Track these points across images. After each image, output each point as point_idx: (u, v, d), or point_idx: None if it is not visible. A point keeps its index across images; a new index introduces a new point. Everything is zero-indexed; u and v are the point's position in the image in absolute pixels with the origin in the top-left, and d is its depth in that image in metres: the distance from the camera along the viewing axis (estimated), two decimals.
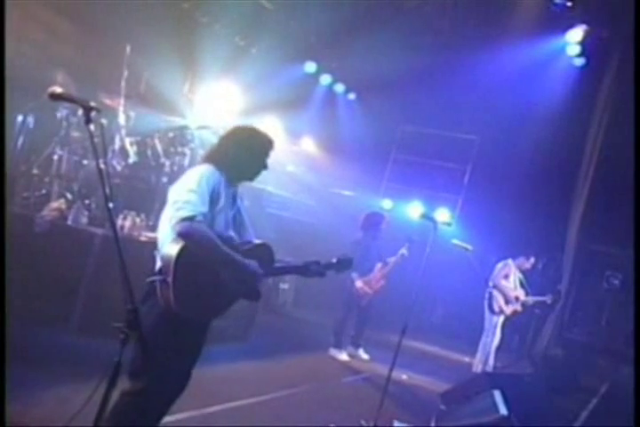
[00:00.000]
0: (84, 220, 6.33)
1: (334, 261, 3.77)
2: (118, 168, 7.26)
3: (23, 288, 5.18)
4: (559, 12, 9.94)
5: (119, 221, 6.29)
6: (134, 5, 8.24)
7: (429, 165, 13.12)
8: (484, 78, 10.56)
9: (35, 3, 7.60)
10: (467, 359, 9.39)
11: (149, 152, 7.64)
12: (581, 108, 10.60)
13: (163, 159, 7.65)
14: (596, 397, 7.48)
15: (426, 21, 10.77)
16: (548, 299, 8.90)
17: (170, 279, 3.00)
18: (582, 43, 10.44)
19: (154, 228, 5.20)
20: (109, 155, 7.09)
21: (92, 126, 2.54)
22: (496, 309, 8.33)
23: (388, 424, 5.40)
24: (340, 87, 13.00)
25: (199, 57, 9.42)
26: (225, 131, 3.58)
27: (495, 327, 8.40)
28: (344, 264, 3.80)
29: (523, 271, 8.70)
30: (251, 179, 3.56)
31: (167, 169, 7.60)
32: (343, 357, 8.07)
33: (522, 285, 8.64)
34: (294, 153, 12.18)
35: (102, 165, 2.53)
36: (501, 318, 8.42)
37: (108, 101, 7.45)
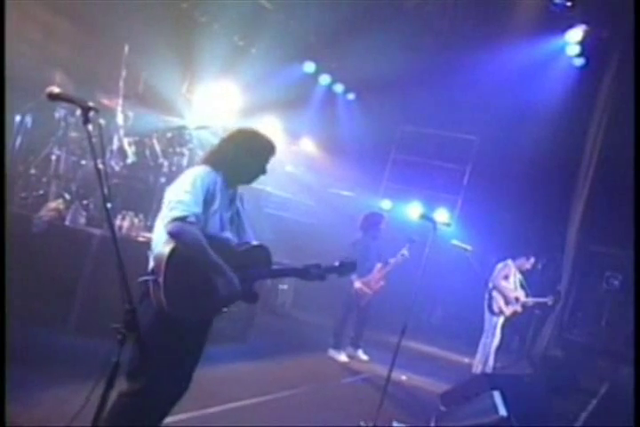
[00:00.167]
0: (82, 220, 6.31)
1: (336, 264, 3.64)
2: (116, 168, 7.24)
3: (21, 289, 5.15)
4: (559, 12, 9.93)
5: (117, 222, 6.28)
6: (133, 5, 8.22)
7: (429, 165, 13.10)
8: (484, 78, 10.54)
9: (33, 2, 7.58)
10: (466, 360, 9.38)
11: (148, 152, 7.63)
12: (581, 108, 10.58)
13: (161, 159, 7.64)
14: (595, 398, 7.45)
15: (425, 21, 10.75)
16: (549, 300, 8.88)
17: (161, 279, 3.00)
18: (582, 43, 10.44)
19: (152, 228, 5.18)
20: (107, 155, 7.08)
21: (90, 126, 2.53)
22: (496, 309, 8.31)
23: (388, 425, 5.40)
24: (339, 87, 12.97)
25: (198, 57, 9.40)
26: (225, 131, 3.56)
27: (495, 328, 8.38)
28: (347, 268, 3.68)
29: (522, 272, 8.69)
30: (248, 182, 3.53)
31: (165, 169, 7.59)
32: (342, 358, 8.05)
33: (522, 286, 8.62)
34: (293, 153, 12.16)
35: (100, 166, 2.52)
36: (501, 319, 8.40)
37: (106, 101, 7.43)
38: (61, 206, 6.38)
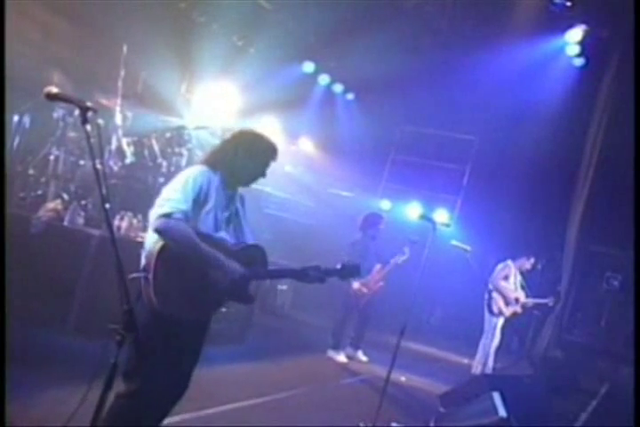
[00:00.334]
0: (81, 220, 6.30)
1: (338, 267, 3.50)
2: (115, 169, 7.23)
3: (19, 289, 5.14)
4: (558, 12, 9.93)
5: (116, 222, 6.28)
6: (131, 5, 8.21)
7: (428, 165, 13.09)
8: (484, 78, 10.54)
9: (32, 3, 7.56)
10: (466, 361, 9.37)
11: (146, 152, 7.61)
12: (581, 108, 10.58)
13: (160, 160, 7.63)
14: (595, 398, 7.43)
15: (425, 21, 10.75)
16: (549, 301, 8.88)
17: (150, 276, 2.97)
18: (582, 43, 10.44)
19: None
20: (106, 155, 7.06)
21: (88, 126, 2.51)
22: (495, 310, 8.29)
23: (387, 426, 5.38)
24: (338, 87, 12.96)
25: (197, 57, 9.38)
26: (224, 131, 3.54)
27: (495, 329, 8.37)
28: (349, 271, 3.53)
29: (523, 273, 8.68)
30: (246, 184, 3.49)
31: (164, 169, 7.58)
32: (341, 358, 8.04)
33: (522, 286, 8.61)
34: (292, 153, 12.14)
35: (99, 166, 2.50)
36: (501, 320, 8.39)
37: (104, 101, 7.41)
38: (60, 207, 6.37)
